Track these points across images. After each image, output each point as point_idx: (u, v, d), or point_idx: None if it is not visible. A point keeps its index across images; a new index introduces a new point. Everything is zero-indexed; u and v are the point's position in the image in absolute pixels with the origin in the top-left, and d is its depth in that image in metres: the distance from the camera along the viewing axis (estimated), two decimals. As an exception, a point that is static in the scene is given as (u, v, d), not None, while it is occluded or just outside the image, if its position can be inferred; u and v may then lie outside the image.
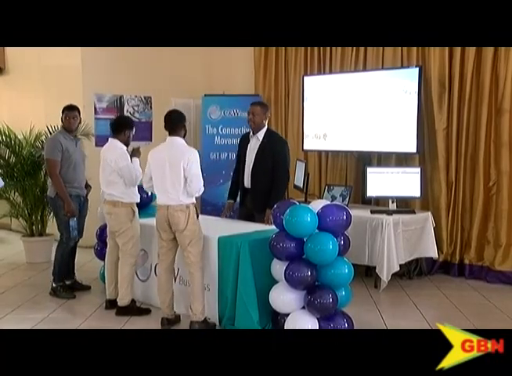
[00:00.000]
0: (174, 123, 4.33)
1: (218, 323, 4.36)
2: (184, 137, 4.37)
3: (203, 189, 4.30)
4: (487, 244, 5.79)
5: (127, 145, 4.80)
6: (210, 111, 7.35)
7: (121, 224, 4.69)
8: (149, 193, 5.35)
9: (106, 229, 4.96)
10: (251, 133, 5.09)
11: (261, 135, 5.00)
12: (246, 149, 5.11)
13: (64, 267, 5.27)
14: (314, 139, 6.63)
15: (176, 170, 4.18)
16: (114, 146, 4.74)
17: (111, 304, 4.84)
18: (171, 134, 4.33)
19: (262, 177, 4.97)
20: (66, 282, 5.31)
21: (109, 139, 4.82)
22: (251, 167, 5.02)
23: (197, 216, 4.32)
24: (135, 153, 4.83)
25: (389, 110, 5.96)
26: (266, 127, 5.06)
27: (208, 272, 4.41)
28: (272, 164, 4.94)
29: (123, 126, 4.80)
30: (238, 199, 5.32)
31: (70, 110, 5.21)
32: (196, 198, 4.41)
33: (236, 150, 5.38)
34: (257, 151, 4.99)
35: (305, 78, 6.76)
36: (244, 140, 5.21)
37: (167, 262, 4.42)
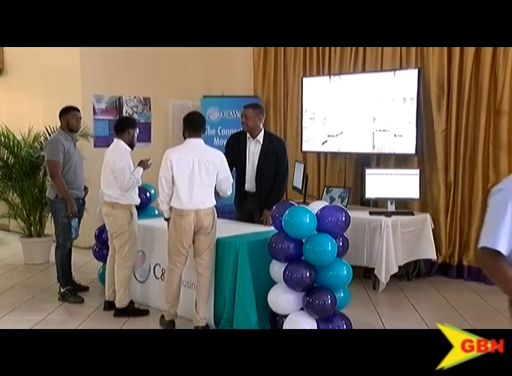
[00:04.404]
0: (197, 124, 4.26)
1: (213, 325, 4.33)
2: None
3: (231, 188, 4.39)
4: (485, 245, 5.78)
5: (132, 146, 4.73)
6: (209, 112, 7.35)
7: (119, 226, 4.64)
8: (148, 194, 5.33)
9: (105, 230, 4.92)
10: (248, 136, 4.97)
11: (260, 138, 4.94)
12: (241, 151, 4.98)
13: (67, 269, 5.24)
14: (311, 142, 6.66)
15: (206, 172, 4.15)
16: (117, 146, 4.68)
17: (110, 305, 4.82)
18: (191, 136, 4.24)
19: (269, 179, 4.91)
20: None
21: (114, 139, 4.77)
22: (256, 171, 4.94)
23: None
24: (142, 163, 4.74)
25: (388, 112, 5.97)
26: (263, 129, 4.99)
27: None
28: (275, 164, 4.92)
29: (125, 125, 4.75)
30: (236, 201, 5.20)
31: (77, 111, 5.19)
32: None
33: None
34: (261, 154, 4.92)
35: (304, 80, 6.77)
36: (234, 142, 5.08)
37: (182, 269, 4.34)
